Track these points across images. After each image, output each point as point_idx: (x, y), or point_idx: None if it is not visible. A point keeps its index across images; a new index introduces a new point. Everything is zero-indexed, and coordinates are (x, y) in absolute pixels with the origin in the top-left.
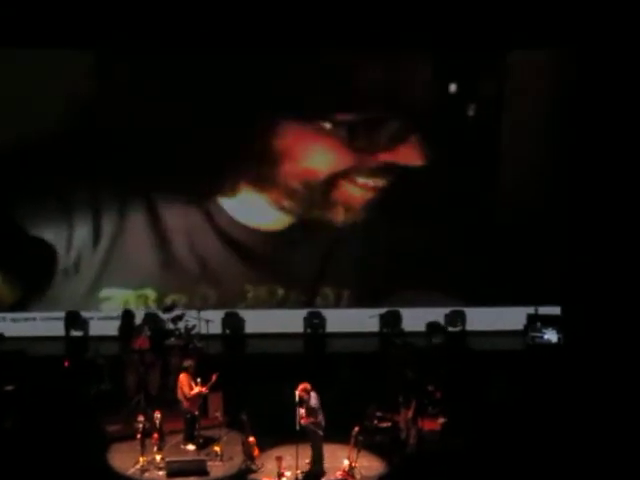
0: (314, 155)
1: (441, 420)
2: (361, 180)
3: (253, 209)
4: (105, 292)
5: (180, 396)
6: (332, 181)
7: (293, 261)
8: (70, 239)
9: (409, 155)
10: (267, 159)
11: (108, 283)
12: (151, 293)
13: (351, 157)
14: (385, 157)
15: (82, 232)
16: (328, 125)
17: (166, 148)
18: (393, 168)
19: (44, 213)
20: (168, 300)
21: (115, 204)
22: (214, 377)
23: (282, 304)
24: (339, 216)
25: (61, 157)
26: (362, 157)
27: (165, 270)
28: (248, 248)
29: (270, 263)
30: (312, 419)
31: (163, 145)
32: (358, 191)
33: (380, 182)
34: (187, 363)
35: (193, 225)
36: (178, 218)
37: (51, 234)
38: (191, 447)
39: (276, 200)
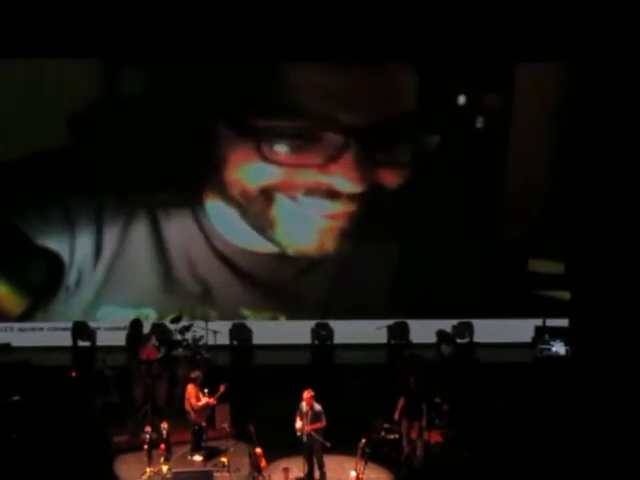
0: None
1: (448, 433)
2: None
3: (236, 227)
4: (104, 310)
5: (187, 407)
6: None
7: (294, 286)
8: (72, 255)
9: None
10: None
11: (108, 301)
12: (151, 312)
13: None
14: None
15: (84, 248)
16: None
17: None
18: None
19: (48, 227)
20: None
21: (118, 219)
22: (222, 388)
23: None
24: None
25: (65, 170)
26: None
27: (165, 289)
28: (244, 268)
29: (268, 286)
30: (319, 424)
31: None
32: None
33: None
34: (195, 374)
35: (192, 243)
36: (178, 236)
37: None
38: (198, 458)
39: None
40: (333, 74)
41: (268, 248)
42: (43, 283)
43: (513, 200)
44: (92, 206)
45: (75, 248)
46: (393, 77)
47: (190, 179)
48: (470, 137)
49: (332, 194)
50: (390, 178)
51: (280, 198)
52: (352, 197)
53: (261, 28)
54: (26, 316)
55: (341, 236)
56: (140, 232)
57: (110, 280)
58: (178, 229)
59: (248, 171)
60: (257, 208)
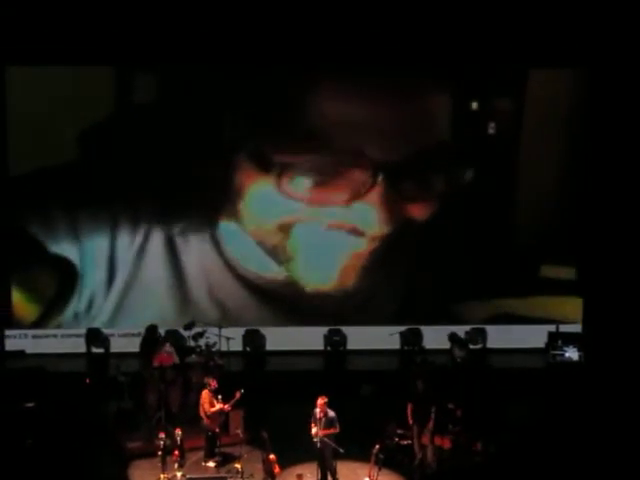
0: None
1: (461, 438)
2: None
3: (252, 253)
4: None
5: (201, 413)
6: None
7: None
8: (82, 280)
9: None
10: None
11: (120, 326)
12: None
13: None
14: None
15: (97, 274)
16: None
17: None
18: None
19: (59, 245)
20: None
21: (132, 242)
22: (237, 395)
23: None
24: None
25: (79, 189)
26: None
27: (181, 312)
28: (263, 291)
29: (286, 306)
30: (332, 430)
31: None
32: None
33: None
34: (208, 380)
35: (210, 265)
36: (196, 257)
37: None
38: (212, 464)
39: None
40: (361, 105)
41: (283, 274)
42: (57, 290)
43: (525, 206)
44: (106, 227)
45: (86, 274)
46: (426, 106)
47: (207, 203)
48: (483, 143)
49: (356, 232)
50: (419, 211)
51: (300, 232)
52: (377, 236)
53: (291, 53)
54: (40, 323)
55: (362, 273)
56: (155, 255)
57: (123, 306)
58: (195, 251)
59: (265, 205)
60: (275, 241)
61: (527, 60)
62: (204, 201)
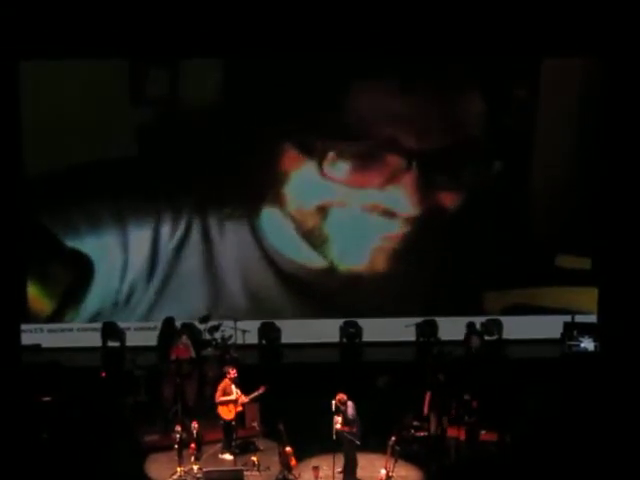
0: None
1: (476, 429)
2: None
3: (290, 240)
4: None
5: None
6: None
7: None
8: (125, 271)
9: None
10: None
11: (157, 317)
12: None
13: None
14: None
15: (137, 263)
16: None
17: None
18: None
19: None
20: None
21: (172, 231)
22: (261, 389)
23: None
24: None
25: (121, 181)
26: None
27: (216, 301)
28: (299, 282)
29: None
30: (348, 429)
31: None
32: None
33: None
34: (228, 369)
35: (246, 254)
36: (232, 247)
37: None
38: (228, 457)
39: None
40: (398, 98)
41: (318, 263)
42: (72, 284)
43: (541, 197)
44: (149, 219)
45: (128, 261)
46: (459, 104)
47: (249, 191)
48: (497, 136)
49: (389, 214)
50: (449, 200)
51: (336, 215)
52: (408, 219)
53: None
54: (55, 317)
55: (393, 256)
56: (194, 245)
57: (161, 296)
58: (233, 241)
59: (307, 188)
60: (312, 224)
61: (541, 50)
62: (248, 187)
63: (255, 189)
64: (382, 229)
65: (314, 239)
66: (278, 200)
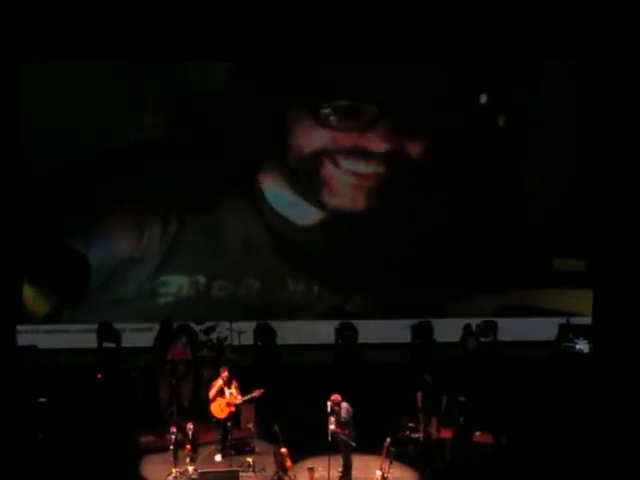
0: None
1: (471, 430)
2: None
3: (285, 198)
4: (163, 278)
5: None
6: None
7: (330, 259)
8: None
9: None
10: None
11: (167, 270)
12: (202, 279)
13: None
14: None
15: (152, 228)
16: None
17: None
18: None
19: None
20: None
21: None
22: (255, 392)
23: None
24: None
25: (121, 181)
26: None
27: (216, 258)
28: (291, 242)
29: (309, 259)
30: (341, 430)
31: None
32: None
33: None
34: (221, 369)
35: (246, 218)
36: (233, 211)
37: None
38: (218, 458)
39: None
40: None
41: (310, 219)
42: (69, 285)
43: (536, 199)
44: (147, 219)
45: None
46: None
47: (251, 155)
48: (492, 136)
49: (366, 154)
50: (415, 149)
51: (327, 163)
52: (382, 158)
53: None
54: (52, 318)
55: (371, 194)
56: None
57: (172, 250)
58: (234, 208)
59: (307, 137)
60: (307, 169)
61: (541, 53)
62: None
63: (257, 148)
64: (361, 169)
65: (307, 186)
66: (281, 153)
